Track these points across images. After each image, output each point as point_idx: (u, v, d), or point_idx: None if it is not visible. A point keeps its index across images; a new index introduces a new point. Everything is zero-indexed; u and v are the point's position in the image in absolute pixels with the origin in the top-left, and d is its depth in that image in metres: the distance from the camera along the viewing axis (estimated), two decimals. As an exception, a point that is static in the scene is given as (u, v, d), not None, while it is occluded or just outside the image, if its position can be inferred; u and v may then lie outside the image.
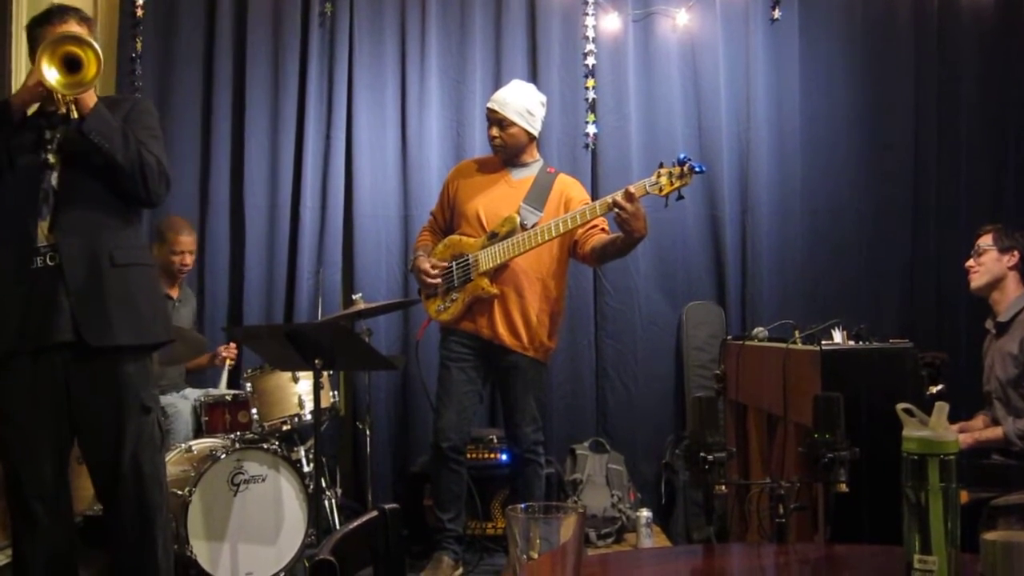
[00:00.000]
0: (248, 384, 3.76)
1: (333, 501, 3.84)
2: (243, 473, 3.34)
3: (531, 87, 3.59)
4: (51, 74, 2.35)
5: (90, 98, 2.41)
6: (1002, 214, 4.21)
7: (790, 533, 1.96)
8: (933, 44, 4.53)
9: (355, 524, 1.31)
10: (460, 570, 3.53)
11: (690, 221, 4.47)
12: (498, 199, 3.45)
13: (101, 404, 2.47)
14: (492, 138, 3.48)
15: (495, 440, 3.96)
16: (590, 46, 4.52)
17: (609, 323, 4.47)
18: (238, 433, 3.58)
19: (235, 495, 3.31)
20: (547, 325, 3.44)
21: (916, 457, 1.11)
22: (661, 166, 3.12)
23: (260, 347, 3.48)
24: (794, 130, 4.52)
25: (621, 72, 4.52)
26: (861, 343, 2.71)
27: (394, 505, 1.39)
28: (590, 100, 4.51)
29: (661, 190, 3.09)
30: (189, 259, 4.03)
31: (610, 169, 4.46)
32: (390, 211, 4.51)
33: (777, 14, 4.49)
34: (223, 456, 3.28)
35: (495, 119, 3.45)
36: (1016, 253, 3.23)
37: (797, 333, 2.86)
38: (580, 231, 3.38)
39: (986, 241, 3.28)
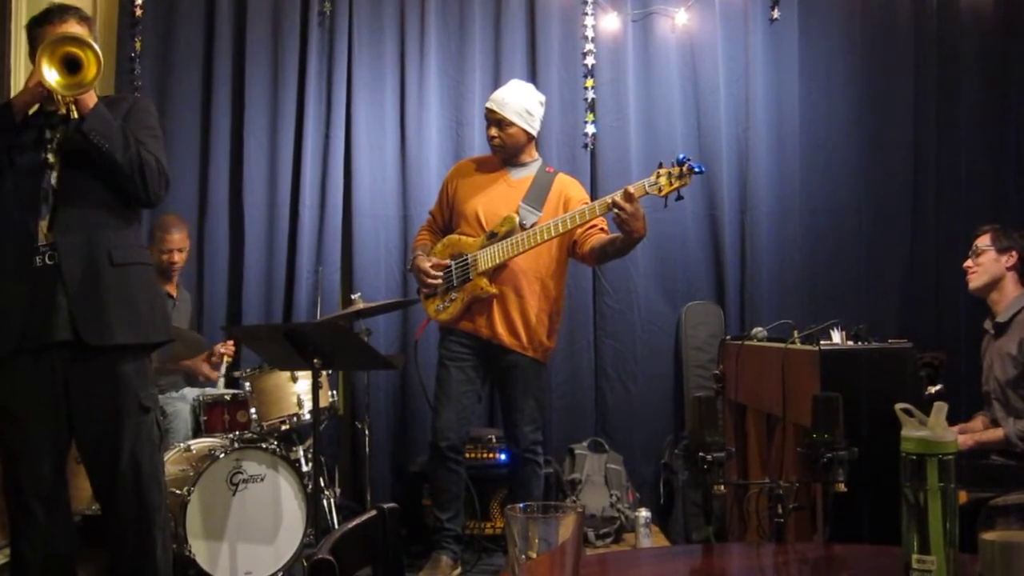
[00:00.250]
0: (247, 383, 3.76)
1: (332, 501, 3.83)
2: (242, 472, 3.34)
3: (530, 87, 3.58)
4: (51, 75, 2.35)
5: (90, 98, 2.41)
6: (1002, 214, 4.20)
7: (789, 533, 1.96)
8: (933, 44, 4.53)
9: (354, 524, 1.31)
10: (459, 570, 3.53)
11: (689, 221, 4.47)
12: (497, 199, 3.45)
13: (99, 403, 2.46)
14: (491, 138, 3.48)
15: (494, 440, 3.96)
16: (589, 46, 4.52)
17: (608, 323, 4.47)
18: (237, 433, 3.58)
19: (234, 494, 3.32)
20: (546, 325, 3.43)
21: (915, 457, 1.11)
22: (660, 166, 3.12)
23: (259, 346, 3.48)
24: (793, 130, 4.52)
25: (620, 72, 4.52)
26: (860, 343, 2.71)
27: (393, 505, 1.38)
28: (589, 100, 4.51)
29: (660, 190, 3.09)
30: (178, 257, 3.99)
31: (609, 169, 4.46)
32: (389, 210, 4.51)
33: (776, 14, 4.50)
34: (222, 456, 3.28)
35: (494, 119, 3.44)
36: (1014, 253, 3.22)
37: (796, 333, 2.86)
38: (579, 231, 3.37)
39: (984, 241, 3.27)
